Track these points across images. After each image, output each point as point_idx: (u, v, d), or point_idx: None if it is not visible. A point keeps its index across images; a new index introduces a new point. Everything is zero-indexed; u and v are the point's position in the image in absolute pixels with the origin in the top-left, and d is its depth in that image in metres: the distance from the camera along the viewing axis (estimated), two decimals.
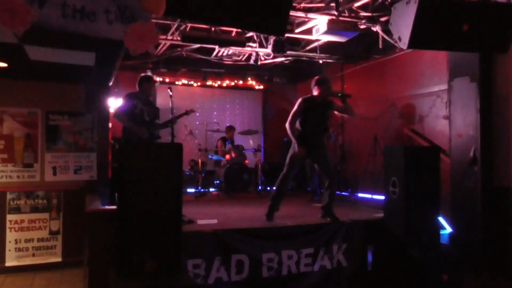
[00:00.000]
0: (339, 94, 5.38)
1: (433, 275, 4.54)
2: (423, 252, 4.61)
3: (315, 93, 5.29)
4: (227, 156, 8.44)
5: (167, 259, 3.75)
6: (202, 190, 8.12)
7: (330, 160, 5.43)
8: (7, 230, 5.51)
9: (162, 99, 5.82)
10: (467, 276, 4.82)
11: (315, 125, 5.30)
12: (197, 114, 9.81)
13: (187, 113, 5.99)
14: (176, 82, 9.69)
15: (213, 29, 6.62)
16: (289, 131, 5.20)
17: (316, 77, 5.35)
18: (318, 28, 6.07)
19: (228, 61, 8.73)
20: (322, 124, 5.37)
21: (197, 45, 7.49)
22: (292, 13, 5.62)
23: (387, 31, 5.80)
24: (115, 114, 5.47)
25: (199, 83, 9.97)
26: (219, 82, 10.20)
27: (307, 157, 5.41)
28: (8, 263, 5.48)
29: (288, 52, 7.55)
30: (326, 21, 5.84)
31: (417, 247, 4.67)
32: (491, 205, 5.20)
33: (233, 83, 10.36)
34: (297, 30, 6.62)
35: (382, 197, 5.37)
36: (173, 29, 6.71)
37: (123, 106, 5.32)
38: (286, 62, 8.84)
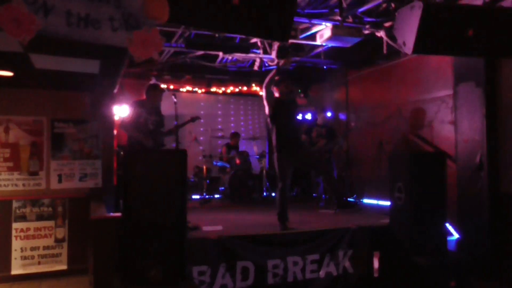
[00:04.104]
0: (299, 90, 5.44)
1: (440, 282, 4.49)
2: (430, 259, 4.57)
3: (276, 94, 5.33)
4: (237, 160, 8.41)
5: (172, 266, 3.73)
6: (207, 196, 8.11)
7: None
8: (13, 238, 5.51)
9: (167, 106, 5.87)
10: (475, 283, 4.78)
11: (290, 127, 5.30)
12: (202, 120, 9.81)
13: (193, 120, 5.97)
14: (181, 89, 9.71)
15: (217, 35, 6.64)
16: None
17: (276, 77, 5.32)
18: (322, 33, 6.08)
19: (232, 68, 8.75)
20: (295, 124, 5.40)
21: (201, 52, 7.52)
22: (296, 19, 5.63)
23: (391, 36, 5.79)
24: (121, 123, 5.49)
25: (203, 90, 9.99)
26: (223, 89, 10.22)
27: (293, 161, 5.37)
28: (14, 271, 5.48)
29: (292, 58, 7.55)
30: (330, 26, 5.84)
31: (424, 254, 4.63)
32: (498, 211, 5.14)
33: (237, 89, 10.37)
34: (301, 36, 6.63)
35: (387, 203, 5.34)
36: (177, 36, 6.74)
37: (128, 115, 5.33)
38: (290, 68, 8.85)
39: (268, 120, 5.35)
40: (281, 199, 5.22)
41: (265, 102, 5.26)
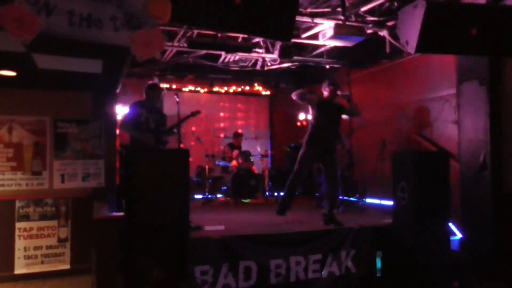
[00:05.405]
0: (343, 94, 5.50)
1: (443, 282, 4.47)
2: (433, 259, 4.56)
3: (325, 94, 5.48)
4: (234, 162, 8.42)
5: (174, 266, 3.74)
6: (209, 196, 8.11)
7: (337, 168, 5.45)
8: (16, 238, 5.53)
9: (169, 105, 5.89)
10: (478, 283, 4.76)
11: (326, 127, 5.38)
12: (204, 120, 9.83)
13: (193, 114, 5.91)
14: (183, 89, 9.73)
15: (219, 35, 6.63)
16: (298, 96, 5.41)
17: (326, 79, 5.57)
18: (324, 33, 6.07)
19: (234, 67, 8.74)
20: (334, 127, 5.42)
21: (204, 51, 7.52)
22: (298, 18, 5.62)
23: (394, 35, 5.78)
24: (120, 125, 5.49)
25: (206, 89, 9.99)
26: (226, 88, 10.22)
27: (317, 159, 5.46)
28: (17, 271, 5.49)
29: (295, 58, 7.55)
30: (333, 26, 5.83)
31: (427, 254, 4.61)
32: (501, 211, 5.12)
33: (239, 89, 10.37)
34: (304, 35, 6.61)
35: (390, 203, 5.32)
36: (179, 36, 6.74)
37: (127, 116, 5.32)
38: (293, 67, 8.84)
39: (310, 117, 5.59)
40: (291, 182, 5.40)
41: (304, 104, 5.60)
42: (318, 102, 5.45)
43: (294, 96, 5.43)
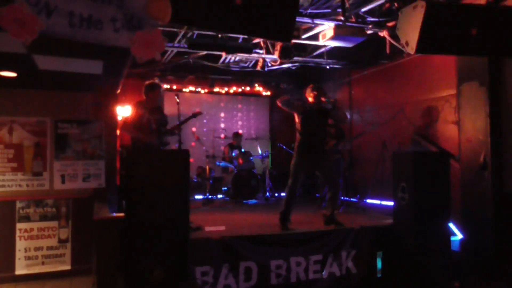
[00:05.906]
0: (328, 100, 5.41)
1: (443, 282, 4.47)
2: (433, 259, 4.56)
3: (310, 99, 5.38)
4: (240, 160, 8.40)
5: (174, 266, 3.74)
6: (209, 196, 8.12)
7: (333, 169, 5.39)
8: (17, 239, 5.53)
9: (170, 106, 5.92)
10: (478, 283, 4.75)
11: (314, 134, 5.31)
12: (205, 121, 9.84)
13: (194, 115, 5.87)
14: (184, 89, 9.72)
15: (219, 35, 6.64)
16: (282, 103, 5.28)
17: (311, 84, 5.45)
18: (325, 33, 6.07)
19: (235, 68, 8.75)
20: (322, 132, 5.38)
21: (204, 52, 7.53)
22: (298, 19, 5.63)
23: (394, 36, 5.78)
24: (122, 126, 5.47)
25: (206, 90, 9.99)
26: (226, 89, 10.22)
27: (311, 168, 5.39)
28: (18, 272, 5.50)
29: (295, 58, 7.56)
30: (333, 26, 5.84)
31: (427, 254, 4.61)
32: (502, 211, 5.12)
33: (240, 90, 10.37)
34: (304, 36, 6.62)
35: (391, 203, 5.33)
36: (180, 36, 6.75)
37: (129, 117, 5.29)
38: (293, 68, 8.85)
39: (296, 125, 5.44)
40: (288, 197, 5.24)
41: (291, 112, 5.39)
42: (303, 109, 5.34)
43: (279, 103, 5.31)
